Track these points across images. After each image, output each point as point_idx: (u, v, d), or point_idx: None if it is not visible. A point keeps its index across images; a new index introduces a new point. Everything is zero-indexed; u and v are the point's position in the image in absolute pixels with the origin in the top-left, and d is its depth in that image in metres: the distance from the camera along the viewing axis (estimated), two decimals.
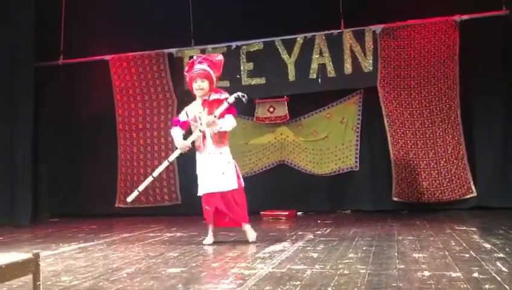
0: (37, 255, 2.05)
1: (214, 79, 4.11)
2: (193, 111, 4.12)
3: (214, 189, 4.01)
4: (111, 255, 3.62)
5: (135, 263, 3.25)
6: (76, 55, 7.13)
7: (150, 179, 4.21)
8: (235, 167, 4.09)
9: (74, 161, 7.23)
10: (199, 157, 4.13)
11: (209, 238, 4.09)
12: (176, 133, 4.12)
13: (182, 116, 4.17)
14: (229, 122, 4.02)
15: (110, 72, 7.05)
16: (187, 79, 4.18)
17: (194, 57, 4.19)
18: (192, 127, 4.14)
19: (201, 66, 4.07)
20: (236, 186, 4.01)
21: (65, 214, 6.97)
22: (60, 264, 3.29)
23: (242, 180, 4.14)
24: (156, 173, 4.22)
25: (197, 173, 4.13)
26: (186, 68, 4.23)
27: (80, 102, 7.17)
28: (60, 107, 7.28)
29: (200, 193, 4.11)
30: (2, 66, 6.40)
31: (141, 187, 4.19)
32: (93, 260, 3.45)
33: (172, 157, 4.20)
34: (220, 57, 4.23)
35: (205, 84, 4.05)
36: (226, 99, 3.99)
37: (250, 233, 4.07)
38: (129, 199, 4.24)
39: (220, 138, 4.06)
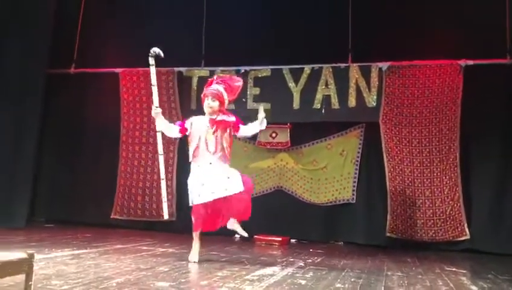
0: (31, 256, 2.10)
1: (226, 102, 4.23)
2: (197, 123, 4.22)
3: (219, 194, 3.96)
4: (103, 264, 3.66)
5: (125, 274, 3.29)
6: (88, 65, 7.30)
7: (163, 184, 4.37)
8: (239, 172, 4.12)
9: (75, 169, 7.30)
10: (197, 167, 4.14)
11: (195, 255, 4.11)
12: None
13: (187, 123, 4.26)
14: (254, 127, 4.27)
15: (120, 85, 7.20)
16: (203, 94, 4.29)
17: (215, 77, 4.32)
18: (190, 136, 4.21)
19: (217, 87, 4.19)
20: (242, 189, 3.97)
21: (61, 221, 7.00)
22: (52, 269, 3.33)
23: (249, 179, 4.17)
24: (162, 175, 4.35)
25: (193, 182, 4.10)
26: (207, 83, 4.34)
27: (87, 111, 7.31)
28: (67, 114, 7.39)
29: (201, 200, 4.02)
30: (15, 69, 6.47)
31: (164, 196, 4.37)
32: (85, 267, 3.49)
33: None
34: (240, 83, 4.33)
35: (215, 104, 4.16)
36: None
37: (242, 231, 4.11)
38: (165, 215, 4.45)
39: (225, 156, 4.14)
